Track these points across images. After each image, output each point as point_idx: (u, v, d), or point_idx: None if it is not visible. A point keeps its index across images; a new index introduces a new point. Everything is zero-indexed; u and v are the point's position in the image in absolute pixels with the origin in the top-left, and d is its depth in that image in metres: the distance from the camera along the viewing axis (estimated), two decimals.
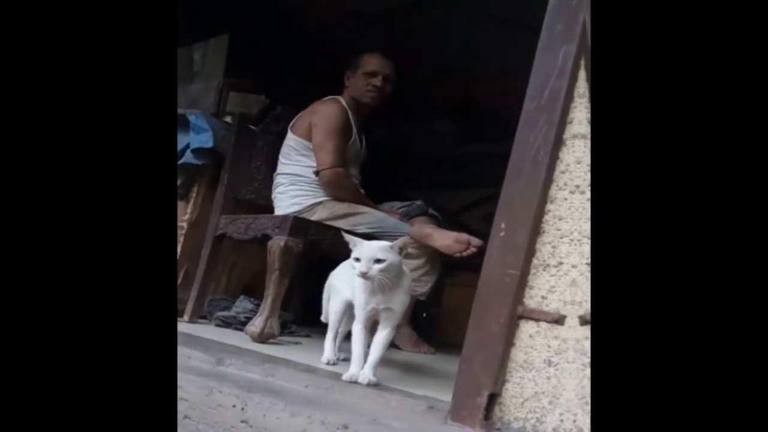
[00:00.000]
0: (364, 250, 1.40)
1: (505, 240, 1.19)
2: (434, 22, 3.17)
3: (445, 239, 2.23)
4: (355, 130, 2.52)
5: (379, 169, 2.74)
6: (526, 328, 1.13)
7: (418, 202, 2.56)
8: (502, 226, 1.21)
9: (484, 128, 3.87)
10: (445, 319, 3.17)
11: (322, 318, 1.85)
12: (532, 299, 1.14)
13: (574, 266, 1.11)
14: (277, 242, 2.05)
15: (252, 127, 2.65)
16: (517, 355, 1.12)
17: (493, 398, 1.10)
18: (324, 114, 2.43)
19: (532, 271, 1.16)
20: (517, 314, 1.13)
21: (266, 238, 2.14)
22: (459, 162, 4.01)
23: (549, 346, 1.09)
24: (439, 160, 4.11)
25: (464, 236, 2.20)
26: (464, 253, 2.19)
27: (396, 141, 3.96)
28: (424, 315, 2.49)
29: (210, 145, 2.58)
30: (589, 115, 1.16)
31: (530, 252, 1.16)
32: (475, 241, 2.18)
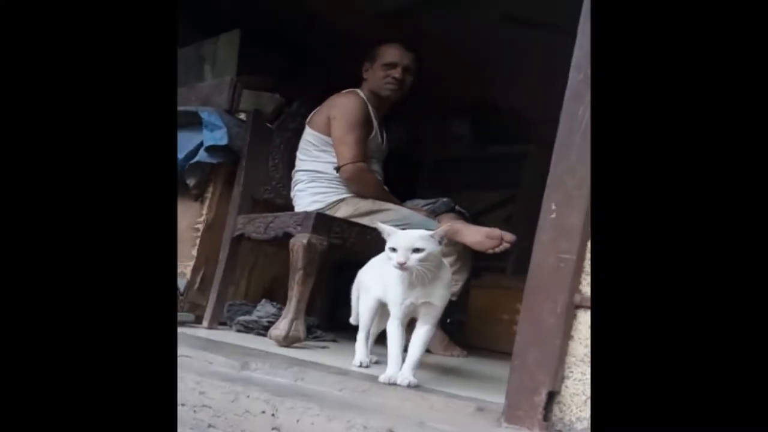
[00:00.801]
0: (401, 239, 1.30)
1: (557, 222, 1.10)
2: (448, 21, 3.12)
3: (476, 235, 2.14)
4: (375, 123, 2.43)
5: (397, 173, 2.67)
6: (585, 318, 1.03)
7: (444, 199, 2.47)
8: (553, 207, 1.11)
9: (502, 130, 3.90)
10: (472, 322, 3.07)
11: (352, 320, 1.75)
12: (589, 286, 1.03)
13: None
14: (300, 240, 1.96)
15: (268, 125, 2.57)
16: (577, 348, 1.02)
17: (552, 397, 1.01)
18: (343, 107, 2.35)
19: (588, 255, 1.06)
20: (574, 303, 1.04)
21: (287, 236, 2.05)
22: (478, 164, 4.00)
23: None
24: (458, 163, 4.10)
25: (497, 231, 2.11)
26: (497, 250, 2.09)
27: (414, 143, 3.98)
28: (448, 321, 2.39)
29: (224, 142, 2.49)
30: None
31: (585, 235, 1.07)
32: (508, 236, 2.09)
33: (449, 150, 4.12)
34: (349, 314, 1.77)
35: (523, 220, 3.53)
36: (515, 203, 3.78)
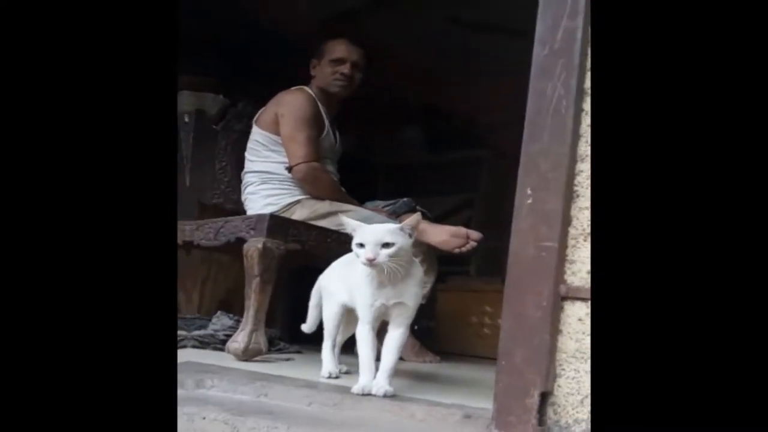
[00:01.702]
0: (369, 233, 1.20)
1: (534, 208, 1.03)
2: (394, 26, 3.11)
3: (442, 234, 2.08)
4: (327, 122, 2.34)
5: (351, 179, 2.59)
6: (573, 310, 0.97)
7: (405, 199, 2.39)
8: (528, 192, 1.05)
9: (454, 135, 3.93)
10: (441, 327, 3.04)
11: (305, 327, 1.65)
12: (575, 276, 0.99)
13: None
14: (254, 245, 1.84)
15: (213, 126, 2.45)
16: (567, 343, 0.96)
17: (545, 398, 0.94)
18: (291, 104, 2.25)
19: (571, 242, 1.01)
20: (560, 295, 0.97)
21: (240, 242, 1.93)
22: (432, 170, 4.01)
23: None
24: (412, 169, 4.09)
25: (462, 230, 2.06)
26: (463, 249, 2.04)
27: (366, 149, 3.93)
28: (416, 328, 2.33)
29: None
30: None
31: (566, 220, 1.01)
32: (474, 234, 2.04)
33: (402, 156, 4.12)
34: None
35: (482, 223, 3.54)
36: (473, 207, 3.80)
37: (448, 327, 2.97)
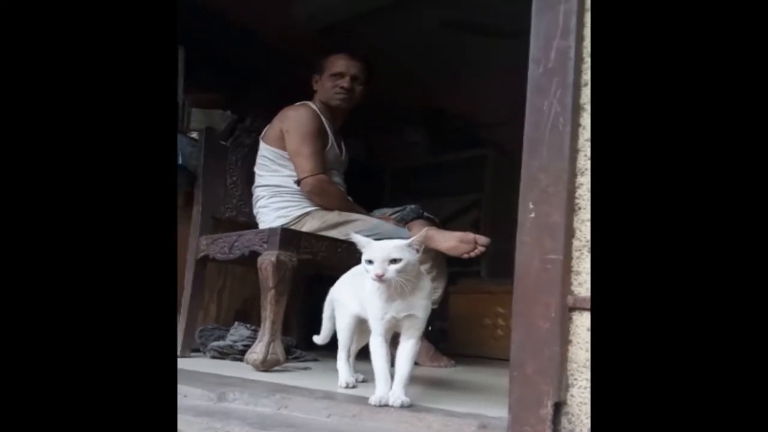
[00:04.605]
0: (377, 250, 1.24)
1: (537, 222, 1.05)
2: (389, 32, 3.20)
3: (450, 240, 2.11)
4: (331, 134, 2.39)
5: (358, 185, 2.64)
6: (582, 320, 0.99)
7: (412, 206, 2.43)
8: (531, 206, 1.07)
9: (456, 135, 3.99)
10: (454, 329, 3.05)
11: (317, 339, 1.69)
12: (581, 287, 1.00)
13: None
14: (268, 258, 1.88)
15: (222, 142, 2.50)
16: (578, 353, 0.98)
17: (559, 408, 0.96)
18: (294, 119, 2.30)
19: (575, 254, 1.03)
20: (567, 306, 0.99)
21: (254, 255, 1.97)
22: (437, 171, 4.05)
23: None
24: (418, 171, 4.15)
25: (470, 235, 2.08)
26: (471, 254, 2.06)
27: (371, 155, 4.00)
28: (429, 328, 2.36)
29: (178, 163, 2.40)
30: None
31: (569, 233, 1.03)
32: (482, 239, 2.06)
33: (407, 159, 4.15)
34: None
35: (490, 223, 3.57)
36: (480, 207, 3.81)
37: (462, 329, 3.00)
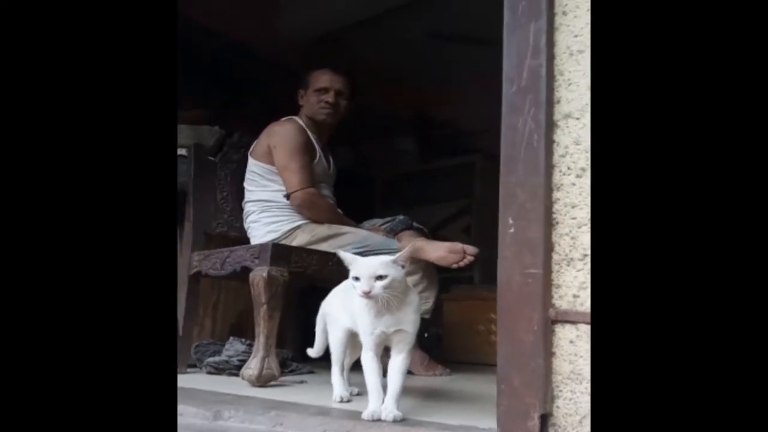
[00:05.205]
0: (363, 267, 1.27)
1: (517, 237, 1.09)
2: (377, 42, 3.23)
3: (439, 251, 2.13)
4: (318, 148, 2.41)
5: (349, 193, 2.67)
6: (564, 333, 1.02)
7: (401, 217, 2.46)
8: (510, 222, 1.11)
9: (445, 142, 4.07)
10: (449, 336, 3.07)
11: (312, 352, 1.71)
12: (562, 299, 1.04)
13: None
14: (260, 273, 1.91)
15: (211, 158, 2.51)
16: (562, 365, 1.01)
17: (546, 420, 0.99)
18: (281, 135, 2.33)
19: (555, 267, 1.06)
20: (549, 319, 1.02)
21: (246, 270, 1.99)
22: (427, 178, 4.08)
23: None
24: (408, 178, 4.18)
25: (458, 245, 2.11)
26: (460, 264, 2.09)
27: (361, 163, 4.01)
28: (425, 335, 2.38)
29: None
30: (575, 94, 1.09)
31: (548, 247, 1.06)
32: (471, 249, 2.08)
33: (397, 167, 4.18)
34: None
35: (481, 229, 3.59)
36: (471, 213, 3.83)
37: (456, 336, 3.01)
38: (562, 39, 1.11)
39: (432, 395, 1.77)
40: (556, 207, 1.08)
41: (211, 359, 2.26)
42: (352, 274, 1.29)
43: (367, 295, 1.25)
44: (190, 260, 2.33)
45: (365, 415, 1.25)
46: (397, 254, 1.31)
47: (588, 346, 0.98)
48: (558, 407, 1.00)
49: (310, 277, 2.08)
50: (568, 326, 1.01)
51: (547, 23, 1.11)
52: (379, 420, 1.23)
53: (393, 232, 2.35)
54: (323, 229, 2.24)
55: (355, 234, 2.22)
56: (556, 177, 1.08)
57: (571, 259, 1.04)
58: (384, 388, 1.31)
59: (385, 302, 1.27)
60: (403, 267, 1.30)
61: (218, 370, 2.21)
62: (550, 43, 1.11)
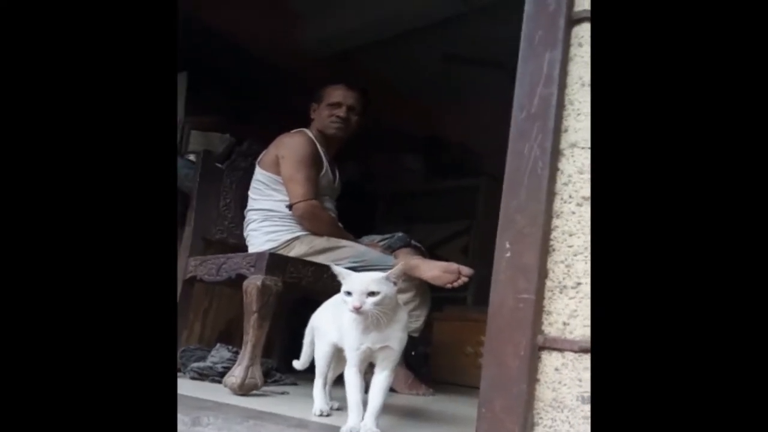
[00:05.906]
0: (356, 282, 1.26)
1: (513, 262, 1.08)
2: (392, 61, 3.30)
3: (434, 270, 2.12)
4: (326, 161, 2.43)
5: (353, 207, 2.67)
6: (550, 360, 1.00)
7: (400, 234, 2.45)
8: (507, 246, 1.10)
9: (452, 163, 4.04)
10: (437, 356, 3.03)
11: (296, 364, 1.69)
12: (552, 326, 1.02)
13: None
14: (254, 282, 1.90)
15: (218, 164, 2.53)
16: (544, 392, 0.99)
17: None
18: (290, 146, 2.34)
19: (548, 294, 1.05)
20: (537, 345, 1.01)
21: (241, 278, 1.98)
22: (431, 197, 4.09)
23: (580, 380, 0.96)
24: (412, 196, 4.19)
25: (453, 266, 2.09)
26: (455, 284, 2.07)
27: (368, 178, 4.04)
28: (413, 353, 2.35)
29: None
30: (583, 124, 1.09)
31: (542, 273, 1.05)
32: (465, 270, 2.07)
33: (403, 183, 4.19)
34: None
35: (479, 251, 3.58)
36: (470, 234, 3.82)
37: (444, 356, 2.96)
38: (575, 70, 1.12)
39: (412, 414, 1.74)
40: (554, 234, 1.07)
41: (195, 364, 2.23)
42: (344, 288, 1.28)
43: (358, 310, 1.24)
44: (186, 265, 2.33)
45: (344, 430, 1.23)
46: (389, 271, 1.29)
47: (574, 375, 0.96)
48: None
49: (304, 289, 2.06)
50: (554, 353, 0.99)
51: (562, 53, 1.12)
52: None
53: (391, 249, 2.35)
54: (321, 242, 2.24)
55: (352, 248, 2.22)
56: (557, 204, 1.08)
57: (564, 286, 1.02)
58: (365, 404, 1.29)
59: (374, 318, 1.26)
60: (395, 284, 1.29)
61: (202, 375, 2.18)
62: (563, 73, 1.11)
